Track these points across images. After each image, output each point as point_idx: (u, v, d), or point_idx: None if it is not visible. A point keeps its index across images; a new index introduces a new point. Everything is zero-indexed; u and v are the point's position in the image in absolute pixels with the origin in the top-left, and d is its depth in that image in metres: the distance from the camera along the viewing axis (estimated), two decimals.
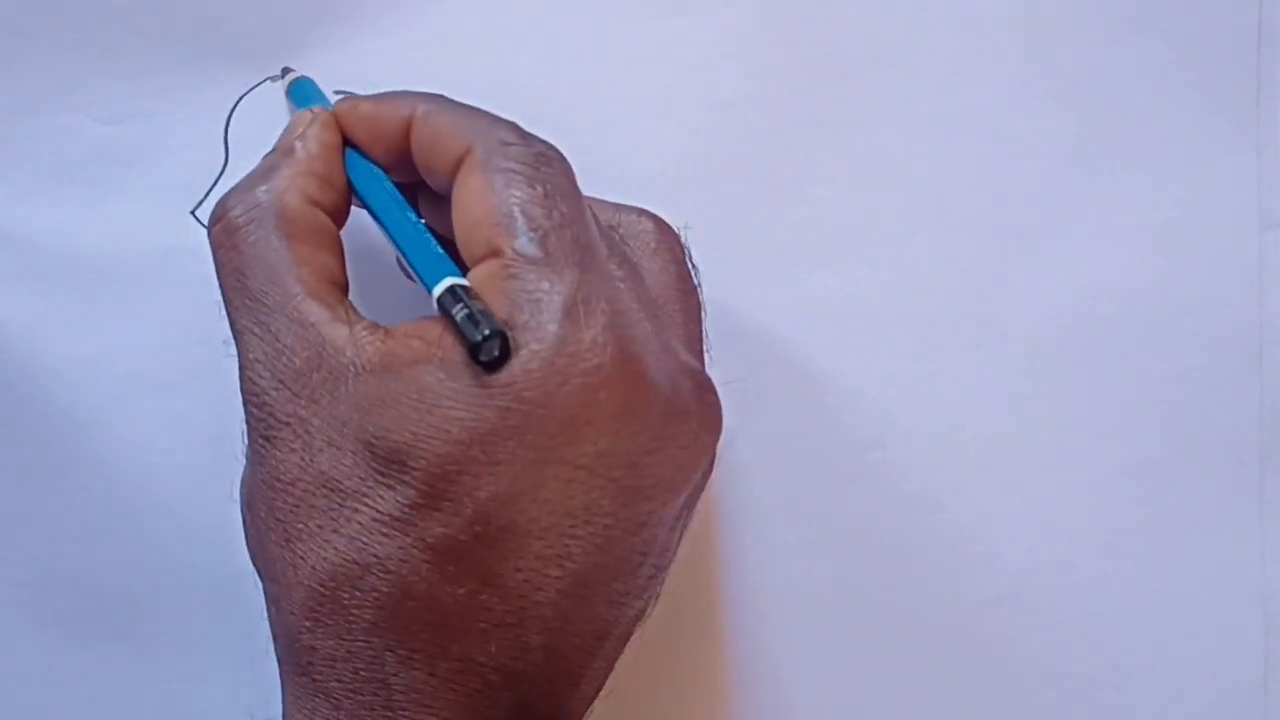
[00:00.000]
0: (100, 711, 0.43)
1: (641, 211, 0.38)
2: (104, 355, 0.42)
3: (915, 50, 0.43)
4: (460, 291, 0.33)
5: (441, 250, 0.35)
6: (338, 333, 0.34)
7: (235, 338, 0.35)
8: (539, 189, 0.34)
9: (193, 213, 0.43)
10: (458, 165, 0.35)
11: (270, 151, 0.38)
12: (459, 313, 0.32)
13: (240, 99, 0.43)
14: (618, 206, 0.38)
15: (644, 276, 0.36)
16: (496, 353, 0.32)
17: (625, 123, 0.43)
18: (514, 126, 0.36)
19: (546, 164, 0.35)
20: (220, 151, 0.43)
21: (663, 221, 0.38)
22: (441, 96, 0.37)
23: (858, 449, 0.42)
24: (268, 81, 0.42)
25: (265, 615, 0.42)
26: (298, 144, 0.37)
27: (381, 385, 0.33)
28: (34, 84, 0.42)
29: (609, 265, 0.35)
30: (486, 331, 0.32)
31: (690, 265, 0.38)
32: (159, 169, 0.43)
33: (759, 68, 0.43)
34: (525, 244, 0.33)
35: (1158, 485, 0.43)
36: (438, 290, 0.33)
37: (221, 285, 0.36)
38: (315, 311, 0.34)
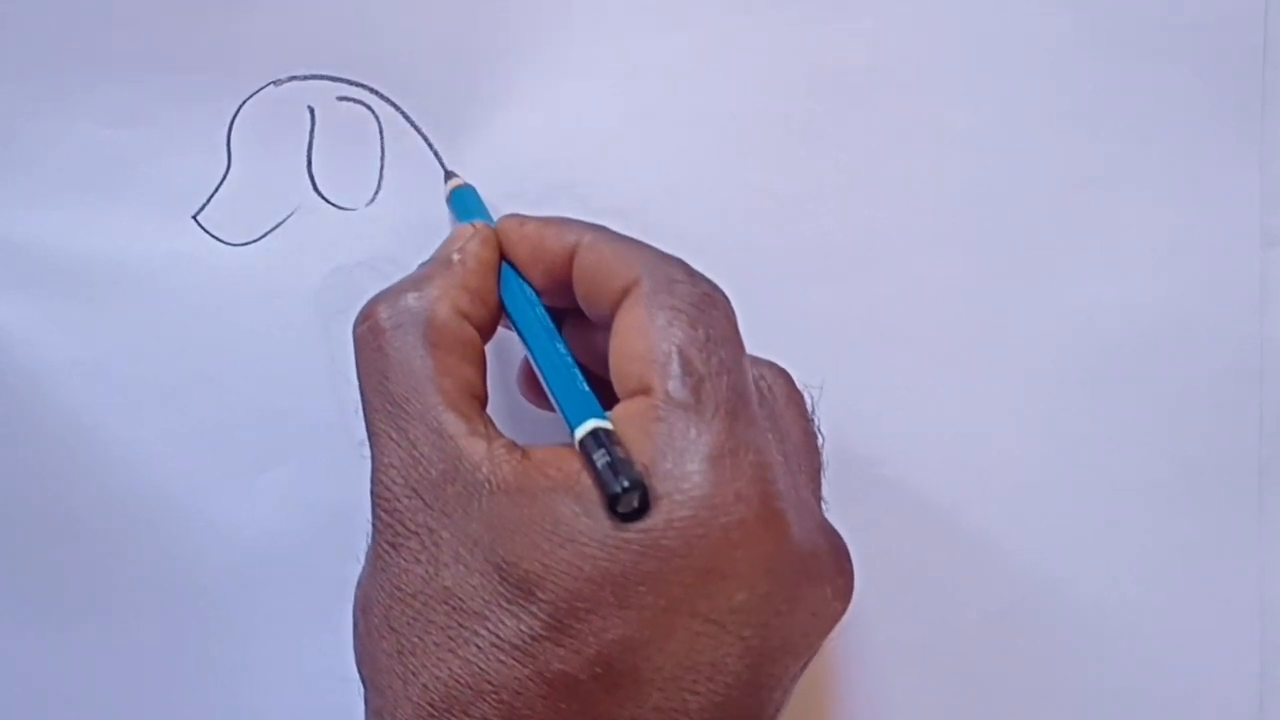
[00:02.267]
0: (98, 712, 0.43)
1: (773, 365, 0.37)
2: (106, 359, 0.42)
3: (919, 67, 0.43)
4: (603, 436, 0.32)
5: (587, 388, 0.35)
6: (476, 447, 0.33)
7: (371, 439, 0.35)
8: (701, 331, 0.34)
9: (195, 217, 0.43)
10: (622, 296, 0.35)
11: (427, 260, 0.38)
12: (600, 459, 0.32)
13: (243, 104, 0.43)
14: (752, 358, 0.36)
15: (781, 427, 0.36)
16: (635, 505, 0.31)
17: (627, 136, 0.43)
18: (682, 263, 0.36)
19: (711, 306, 0.34)
20: (223, 157, 0.43)
21: (792, 378, 0.37)
22: (606, 228, 0.37)
23: (859, 465, 0.42)
24: (270, 87, 0.42)
25: (263, 617, 0.42)
26: (455, 257, 0.37)
27: (516, 509, 0.32)
28: (38, 88, 0.42)
29: (758, 414, 0.34)
30: (626, 483, 0.31)
31: (816, 423, 0.37)
32: (162, 174, 0.43)
33: (762, 83, 0.43)
34: (678, 387, 0.33)
35: (1157, 502, 0.43)
36: (580, 432, 0.33)
37: (361, 385, 0.35)
38: (454, 423, 0.34)
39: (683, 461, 0.32)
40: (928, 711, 0.42)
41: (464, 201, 0.41)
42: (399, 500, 0.33)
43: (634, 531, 0.31)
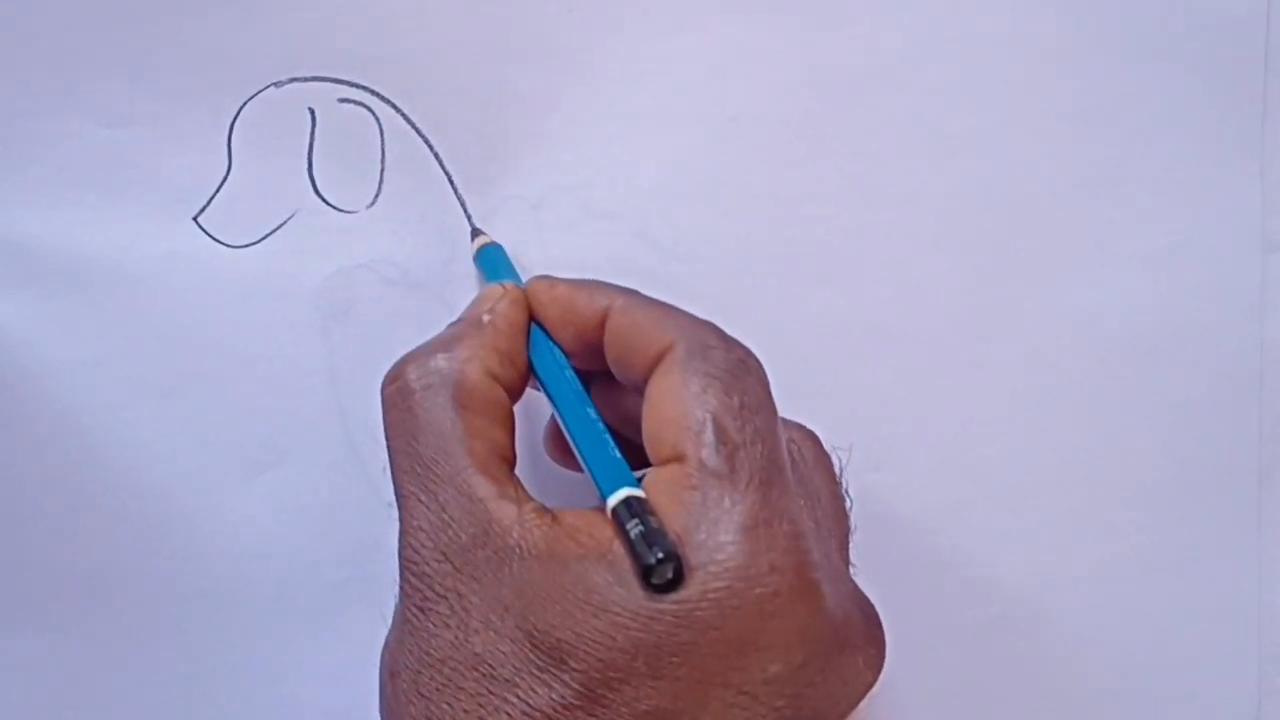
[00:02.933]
0: (97, 711, 0.43)
1: (801, 428, 0.37)
2: (105, 359, 0.42)
3: (921, 70, 0.43)
4: (636, 505, 0.32)
5: (619, 454, 0.35)
6: (506, 511, 0.33)
7: (399, 501, 0.35)
8: (735, 399, 0.33)
9: (195, 219, 0.43)
10: (655, 361, 0.35)
11: (456, 320, 0.38)
12: (634, 529, 0.32)
13: (244, 105, 0.42)
14: (783, 421, 0.36)
15: (812, 492, 0.35)
16: (669, 576, 0.31)
17: (628, 137, 0.43)
18: (715, 328, 0.35)
19: (746, 373, 0.34)
20: (224, 157, 0.43)
21: (820, 441, 0.37)
22: (638, 292, 0.37)
23: (855, 469, 0.42)
24: (271, 88, 0.42)
25: (261, 617, 0.42)
26: (486, 318, 0.37)
27: (548, 575, 0.32)
28: (38, 87, 0.42)
29: (791, 482, 0.34)
30: (661, 555, 0.31)
31: (844, 488, 0.37)
32: (162, 174, 0.42)
33: (763, 85, 0.43)
34: (712, 456, 0.32)
35: (1156, 506, 0.43)
36: (613, 500, 0.33)
37: (390, 447, 0.35)
38: (485, 486, 0.33)
39: (717, 532, 0.32)
40: (921, 715, 0.42)
41: (492, 260, 0.41)
42: (428, 564, 0.33)
43: (668, 603, 0.31)
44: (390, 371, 0.36)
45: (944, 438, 0.43)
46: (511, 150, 0.43)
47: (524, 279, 0.40)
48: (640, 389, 0.35)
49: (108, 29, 0.42)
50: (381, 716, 0.34)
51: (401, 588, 0.34)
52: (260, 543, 0.42)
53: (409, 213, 0.43)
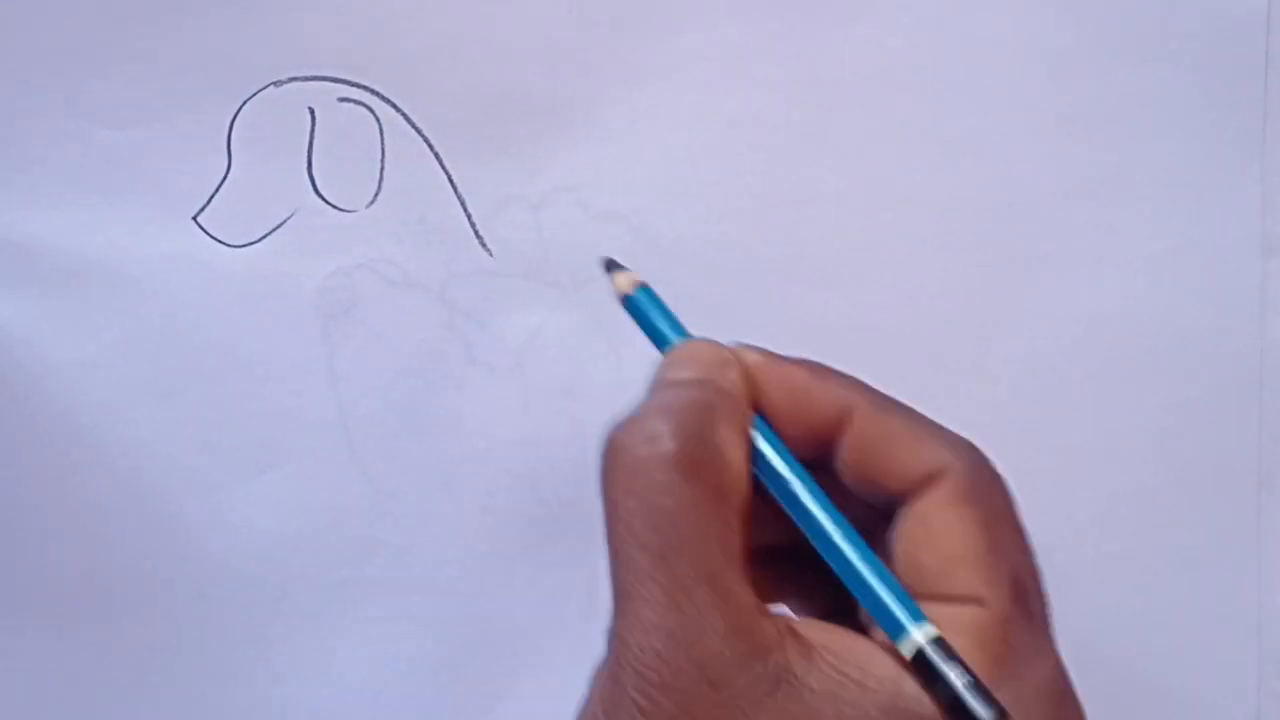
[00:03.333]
0: (95, 711, 0.43)
1: None
2: (105, 359, 0.42)
3: (921, 72, 0.43)
4: (948, 649, 0.29)
5: (901, 586, 0.30)
6: (770, 627, 0.29)
7: (623, 589, 0.29)
8: (1021, 541, 0.31)
9: (195, 218, 0.43)
10: (921, 483, 0.31)
11: (684, 381, 0.32)
12: (958, 677, 0.28)
13: (243, 105, 0.42)
14: None
15: None
16: None
17: (629, 138, 0.43)
18: (982, 454, 0.32)
19: (1017, 511, 0.32)
20: (223, 156, 0.43)
21: None
22: (872, 388, 0.33)
23: None
24: (271, 88, 0.42)
25: (260, 618, 0.42)
26: (727, 386, 0.31)
27: (835, 711, 0.28)
28: (38, 88, 0.42)
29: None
30: (995, 713, 0.28)
31: None
32: (162, 174, 0.42)
33: (765, 87, 0.43)
34: (1012, 604, 0.30)
35: (1154, 510, 0.43)
36: (921, 635, 0.29)
37: (619, 529, 0.30)
38: (748, 594, 0.29)
39: (1024, 686, 0.29)
40: None
41: (651, 307, 0.35)
42: (677, 678, 0.28)
43: None
44: (633, 428, 0.30)
45: None
46: (512, 150, 0.43)
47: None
48: (884, 504, 0.32)
49: (107, 29, 0.42)
50: None
51: (633, 701, 0.28)
52: (259, 543, 0.42)
53: (409, 212, 0.43)
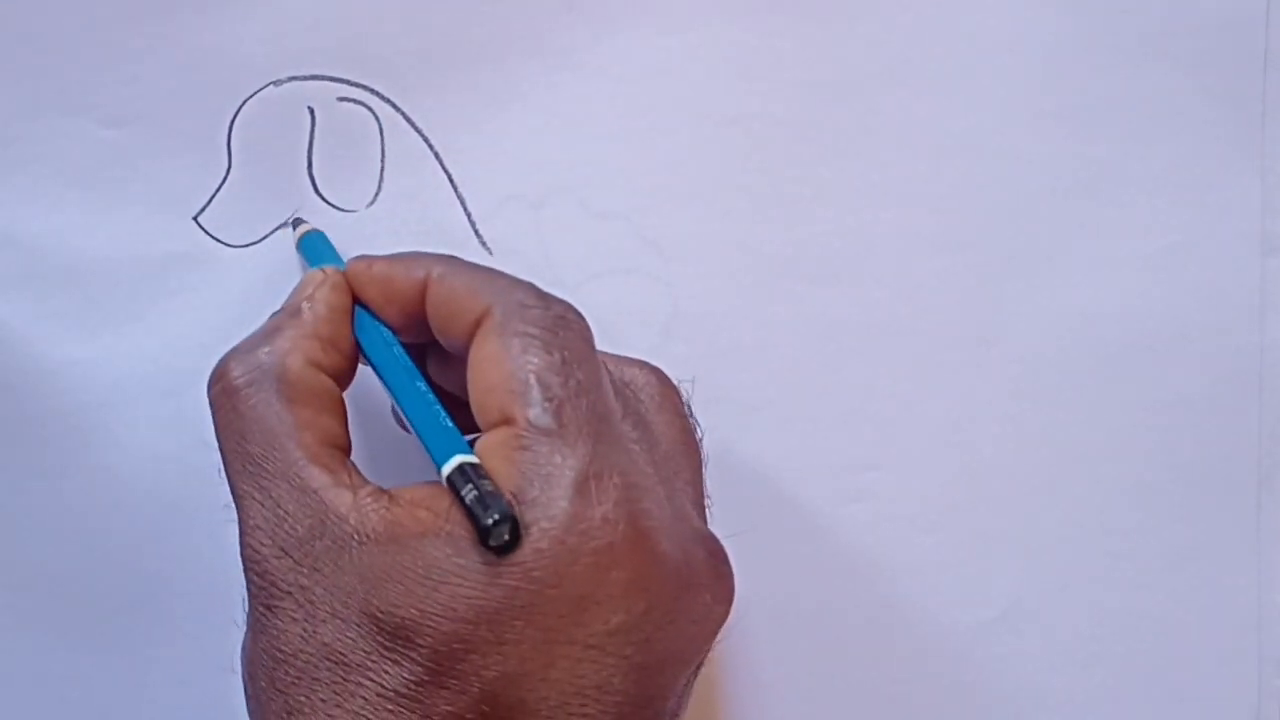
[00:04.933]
0: (94, 711, 0.43)
1: (643, 365, 0.37)
2: (103, 359, 0.42)
3: (921, 70, 0.43)
4: (470, 471, 0.32)
5: (450, 423, 0.34)
6: (341, 499, 0.33)
7: (235, 502, 0.35)
8: (556, 355, 0.33)
9: (195, 218, 0.43)
10: (475, 327, 0.35)
11: (277, 311, 0.38)
12: (468, 494, 0.32)
13: (243, 104, 0.42)
14: (619, 359, 0.37)
15: (652, 434, 0.36)
16: (506, 537, 0.31)
17: (629, 136, 0.43)
18: (531, 287, 0.35)
19: (565, 327, 0.34)
20: (223, 156, 0.43)
21: (665, 375, 0.37)
22: (456, 258, 0.37)
23: (853, 467, 0.42)
24: (270, 87, 0.42)
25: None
26: (305, 305, 0.37)
27: (387, 557, 0.32)
28: (37, 87, 0.42)
29: (623, 429, 0.34)
30: (496, 516, 0.31)
31: (693, 420, 0.37)
32: (161, 173, 0.42)
33: (764, 85, 0.43)
34: (539, 414, 0.33)
35: (1154, 509, 0.43)
36: (447, 469, 0.33)
37: (221, 448, 0.35)
38: (317, 477, 0.33)
39: (549, 488, 0.32)
40: (917, 717, 0.42)
41: (313, 246, 0.41)
42: (269, 561, 0.33)
43: (505, 565, 0.31)
44: (214, 371, 0.36)
45: (942, 438, 0.43)
46: (512, 149, 0.43)
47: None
48: (466, 356, 0.35)
49: (106, 28, 0.42)
50: (249, 717, 0.34)
51: (248, 589, 0.34)
52: None
53: (409, 212, 0.43)
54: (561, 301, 0.35)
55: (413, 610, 0.31)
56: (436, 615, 0.31)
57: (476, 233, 0.43)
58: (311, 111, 0.42)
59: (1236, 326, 0.43)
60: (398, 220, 0.43)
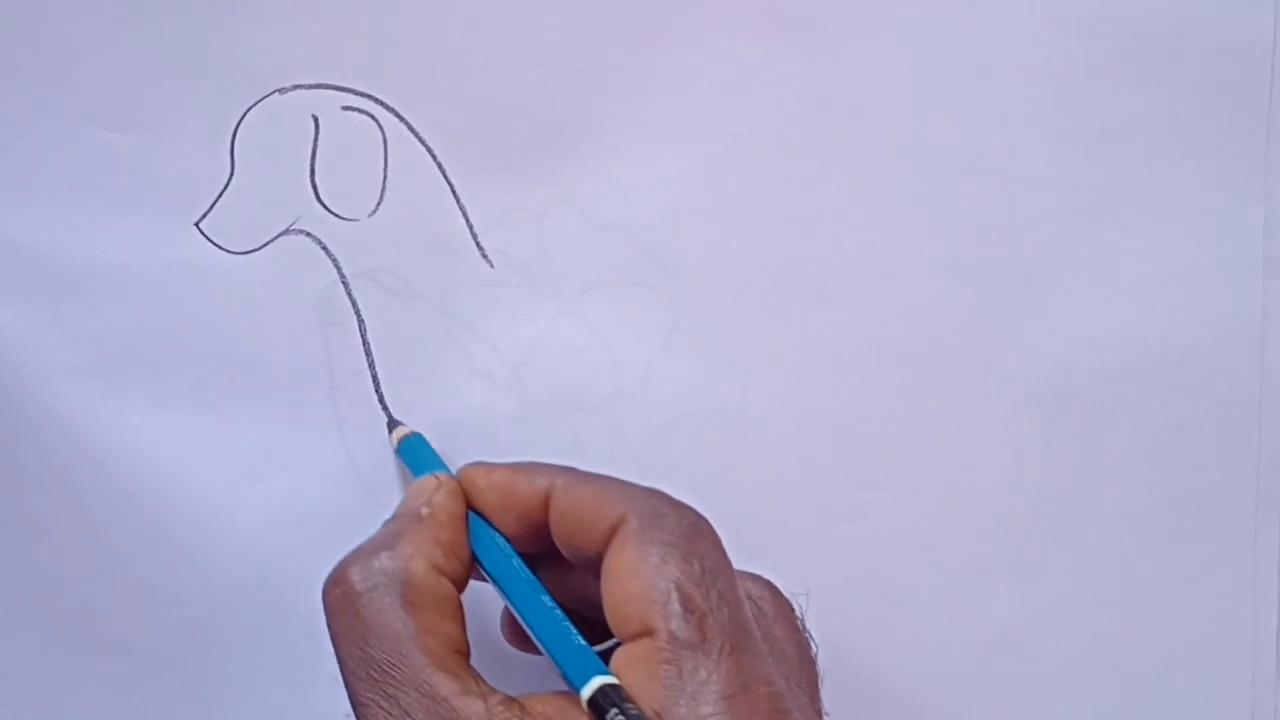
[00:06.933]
0: (92, 712, 0.43)
1: (758, 578, 0.37)
2: (105, 365, 0.42)
3: (925, 91, 0.43)
4: (612, 693, 0.32)
5: (583, 640, 0.34)
6: (472, 708, 0.32)
7: (356, 710, 0.34)
8: (695, 565, 0.33)
9: (197, 225, 0.43)
10: (608, 536, 0.35)
11: (390, 518, 0.38)
12: (614, 718, 0.31)
13: (247, 111, 0.42)
14: (739, 573, 0.36)
15: (776, 646, 0.36)
16: None
17: (632, 150, 0.43)
18: (664, 495, 0.35)
19: (701, 537, 0.34)
20: (226, 163, 0.43)
21: (779, 590, 0.37)
22: (574, 468, 0.37)
23: (852, 487, 0.42)
24: (275, 95, 0.42)
25: (255, 625, 0.42)
26: (424, 511, 0.37)
27: None
28: (40, 92, 0.42)
29: (760, 643, 0.33)
30: None
31: (807, 633, 0.37)
32: (164, 179, 0.42)
33: (768, 102, 0.43)
34: (681, 626, 0.32)
35: (1151, 533, 0.43)
36: (588, 691, 0.32)
37: (340, 654, 0.35)
38: (446, 684, 0.33)
39: (696, 705, 0.31)
40: None
41: (416, 451, 0.41)
42: None
43: None
44: (331, 575, 0.35)
45: (941, 458, 0.42)
46: (514, 160, 0.43)
47: (454, 466, 0.40)
48: (593, 566, 0.35)
49: (111, 34, 0.42)
50: None
51: None
52: (256, 550, 0.42)
53: (411, 221, 0.43)
54: (693, 510, 0.35)
55: None
56: None
57: (478, 243, 0.43)
58: (315, 120, 0.42)
59: (1237, 350, 0.43)
60: (399, 230, 0.43)
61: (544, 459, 0.42)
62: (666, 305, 0.43)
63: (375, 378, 0.42)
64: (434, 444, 0.42)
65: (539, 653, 0.36)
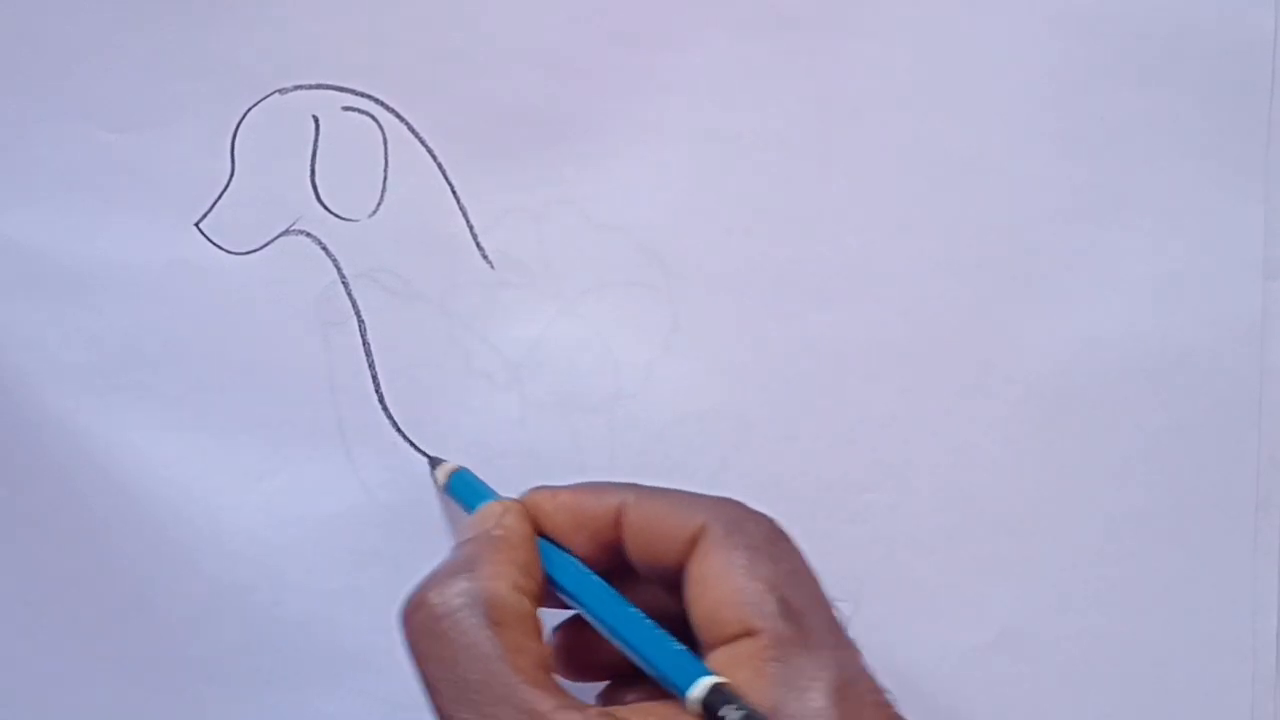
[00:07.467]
0: (92, 712, 0.43)
1: None
2: (106, 365, 0.42)
3: (925, 91, 0.43)
4: (726, 691, 0.32)
5: (680, 645, 0.34)
6: None
7: None
8: (784, 565, 0.34)
9: (197, 225, 0.43)
10: (689, 547, 0.35)
11: (460, 543, 0.38)
12: (733, 714, 0.31)
13: (248, 111, 0.42)
14: None
15: None
16: None
17: (632, 150, 0.43)
18: (739, 503, 0.36)
19: (782, 539, 0.35)
20: (226, 163, 0.43)
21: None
22: (640, 485, 0.38)
23: (852, 489, 0.42)
24: (275, 95, 0.42)
25: (257, 624, 0.42)
26: (498, 533, 0.37)
27: None
28: (41, 92, 0.42)
29: (853, 641, 0.34)
30: None
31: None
32: (164, 179, 0.42)
33: (768, 102, 0.42)
34: (783, 625, 0.33)
35: (1151, 534, 0.42)
36: (699, 691, 0.32)
37: (426, 677, 0.34)
38: (544, 700, 0.33)
39: (807, 700, 0.32)
40: None
41: (467, 485, 0.41)
42: None
43: None
44: (409, 600, 0.35)
45: (941, 460, 0.42)
46: (514, 161, 0.43)
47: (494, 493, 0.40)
48: (668, 579, 0.36)
49: (111, 34, 0.42)
50: None
51: None
52: (255, 551, 0.42)
53: (411, 222, 0.43)
54: (768, 516, 0.36)
55: None
56: None
57: (478, 243, 0.43)
58: (316, 120, 0.43)
59: (1237, 350, 0.42)
60: (399, 230, 0.43)
61: (544, 459, 0.42)
62: (666, 305, 0.43)
63: (375, 378, 0.42)
64: (434, 444, 0.42)
65: (599, 677, 0.37)
